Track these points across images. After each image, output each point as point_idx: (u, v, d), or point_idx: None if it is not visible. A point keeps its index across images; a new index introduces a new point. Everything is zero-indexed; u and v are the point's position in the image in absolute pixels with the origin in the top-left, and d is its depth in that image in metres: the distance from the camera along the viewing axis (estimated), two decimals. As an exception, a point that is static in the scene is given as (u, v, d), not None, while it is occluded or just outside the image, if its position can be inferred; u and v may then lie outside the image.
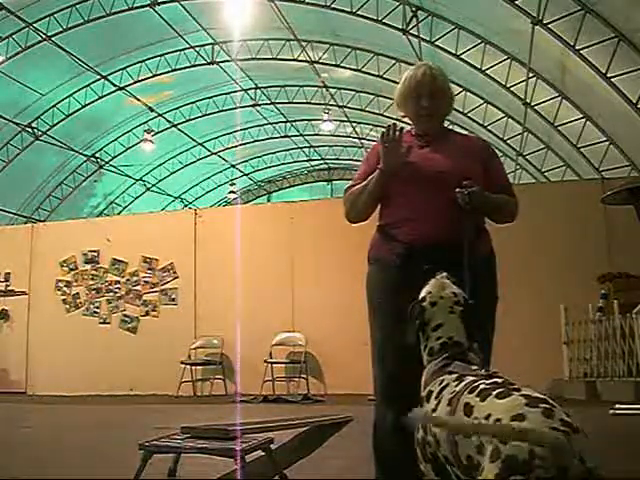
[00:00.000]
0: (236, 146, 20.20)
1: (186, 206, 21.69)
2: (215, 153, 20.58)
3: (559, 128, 12.24)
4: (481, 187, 2.20)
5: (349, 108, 16.75)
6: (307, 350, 8.46)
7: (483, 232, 2.37)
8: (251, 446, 2.54)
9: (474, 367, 1.73)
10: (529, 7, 9.73)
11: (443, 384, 1.69)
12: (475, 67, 12.19)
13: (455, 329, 1.86)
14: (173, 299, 9.27)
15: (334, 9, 12.15)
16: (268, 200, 23.86)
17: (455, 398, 1.57)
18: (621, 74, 9.64)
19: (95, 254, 9.67)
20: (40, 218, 17.25)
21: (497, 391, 1.45)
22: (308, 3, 12.25)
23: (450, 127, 2.66)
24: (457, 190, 2.18)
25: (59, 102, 15.35)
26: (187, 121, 17.98)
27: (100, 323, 9.50)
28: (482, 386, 1.52)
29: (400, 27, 11.84)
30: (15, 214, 17.08)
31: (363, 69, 14.42)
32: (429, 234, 2.23)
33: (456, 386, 1.62)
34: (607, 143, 11.37)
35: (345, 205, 2.47)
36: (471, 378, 1.61)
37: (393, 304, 2.27)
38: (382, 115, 15.74)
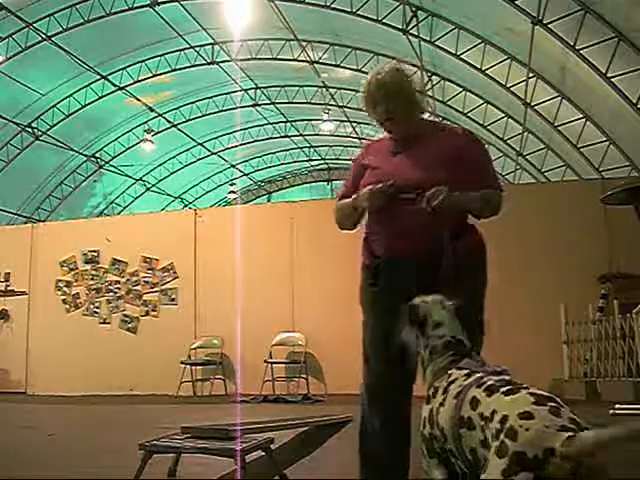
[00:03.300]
0: (236, 146, 20.21)
1: (186, 206, 21.70)
2: (215, 153, 20.58)
3: (559, 128, 12.24)
4: (442, 190, 2.14)
5: (349, 108, 16.75)
6: (307, 350, 8.46)
7: (464, 231, 2.34)
8: (251, 446, 2.54)
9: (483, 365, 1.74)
10: (529, 7, 9.73)
11: (451, 378, 1.70)
12: (475, 67, 12.19)
13: (456, 328, 1.87)
14: (173, 299, 9.26)
15: (334, 9, 12.15)
16: (268, 200, 23.86)
17: (463, 391, 1.57)
18: (621, 74, 9.64)
19: (95, 254, 9.66)
20: (40, 218, 17.25)
21: (505, 388, 1.45)
22: (308, 3, 12.25)
23: (442, 122, 2.65)
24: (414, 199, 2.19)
25: (59, 102, 15.36)
26: (187, 121, 17.99)
27: (100, 323, 9.49)
28: (490, 382, 1.53)
29: (400, 27, 11.84)
30: (15, 214, 17.09)
31: (363, 69, 14.41)
32: (399, 246, 2.28)
33: (464, 381, 1.63)
34: (607, 143, 11.37)
35: (335, 215, 2.55)
36: (480, 374, 1.62)
37: (375, 310, 2.36)
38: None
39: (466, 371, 1.69)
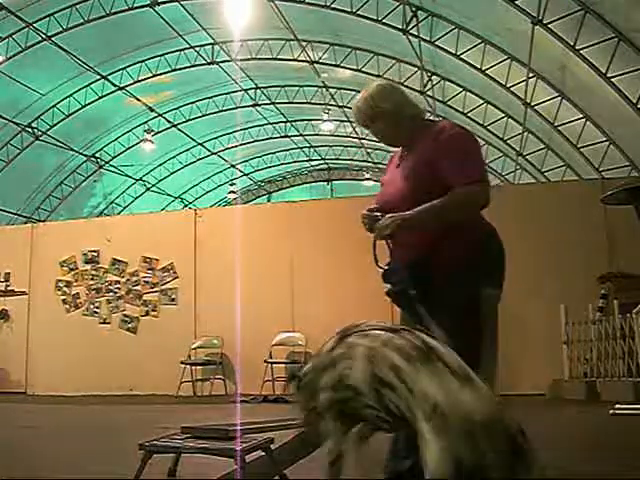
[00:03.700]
0: (236, 146, 20.21)
1: (186, 206, 21.70)
2: (215, 153, 20.58)
3: (559, 128, 12.24)
4: (390, 216, 2.28)
5: (349, 108, 16.75)
6: (307, 350, 8.45)
7: (451, 238, 2.32)
8: (251, 446, 2.54)
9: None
10: (529, 7, 9.73)
11: (348, 343, 1.85)
12: (475, 67, 12.19)
13: None
14: (173, 299, 9.26)
15: (334, 9, 12.15)
16: (268, 200, 23.86)
17: (373, 351, 1.72)
18: (621, 74, 9.64)
19: (95, 254, 9.66)
20: (40, 218, 17.25)
21: (420, 355, 1.63)
22: (308, 3, 12.25)
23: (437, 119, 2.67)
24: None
25: (59, 102, 15.36)
26: (187, 121, 17.99)
27: (100, 323, 9.48)
28: (400, 344, 1.69)
29: (400, 27, 11.84)
30: (15, 214, 17.09)
31: (363, 69, 14.42)
32: (395, 255, 2.40)
33: (364, 340, 1.79)
34: (607, 143, 11.37)
35: None
36: (377, 332, 1.79)
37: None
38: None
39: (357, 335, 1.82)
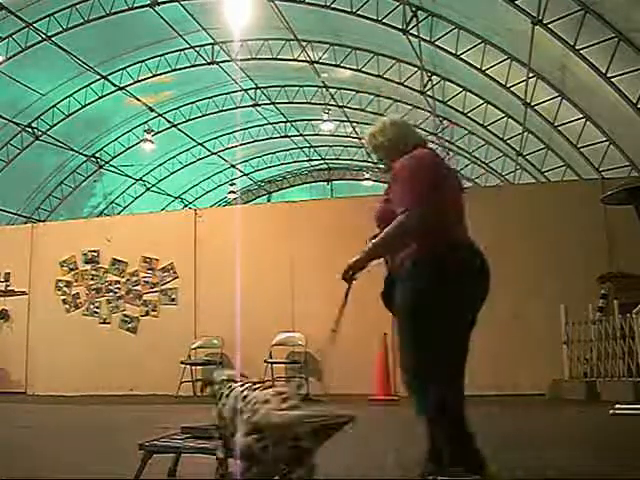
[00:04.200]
0: (236, 146, 20.22)
1: (186, 206, 21.71)
2: (215, 153, 20.60)
3: (559, 128, 12.24)
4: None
5: (349, 108, 16.76)
6: (307, 350, 8.45)
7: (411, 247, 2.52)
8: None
9: None
10: (529, 7, 9.73)
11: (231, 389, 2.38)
12: (475, 67, 12.20)
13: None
14: (173, 299, 9.26)
15: (334, 9, 12.15)
16: (268, 200, 23.87)
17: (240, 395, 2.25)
18: (621, 74, 9.64)
19: (95, 254, 9.66)
20: (40, 218, 17.26)
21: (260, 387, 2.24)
22: (308, 3, 12.25)
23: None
24: None
25: (59, 102, 15.38)
26: (187, 121, 18.00)
27: (100, 323, 9.48)
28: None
29: (400, 27, 11.85)
30: (15, 214, 17.10)
31: (363, 69, 14.43)
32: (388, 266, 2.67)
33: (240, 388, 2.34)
34: (607, 143, 11.38)
35: None
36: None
37: None
38: (382, 115, 15.74)
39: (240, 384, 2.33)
